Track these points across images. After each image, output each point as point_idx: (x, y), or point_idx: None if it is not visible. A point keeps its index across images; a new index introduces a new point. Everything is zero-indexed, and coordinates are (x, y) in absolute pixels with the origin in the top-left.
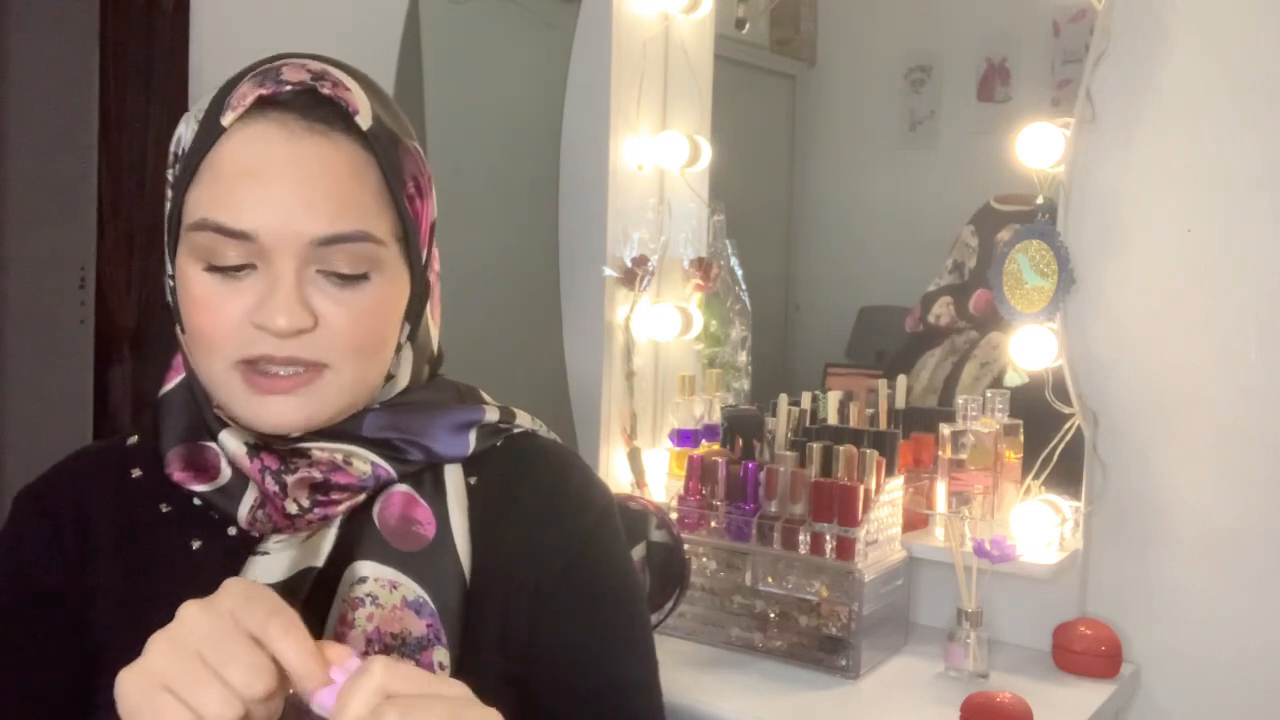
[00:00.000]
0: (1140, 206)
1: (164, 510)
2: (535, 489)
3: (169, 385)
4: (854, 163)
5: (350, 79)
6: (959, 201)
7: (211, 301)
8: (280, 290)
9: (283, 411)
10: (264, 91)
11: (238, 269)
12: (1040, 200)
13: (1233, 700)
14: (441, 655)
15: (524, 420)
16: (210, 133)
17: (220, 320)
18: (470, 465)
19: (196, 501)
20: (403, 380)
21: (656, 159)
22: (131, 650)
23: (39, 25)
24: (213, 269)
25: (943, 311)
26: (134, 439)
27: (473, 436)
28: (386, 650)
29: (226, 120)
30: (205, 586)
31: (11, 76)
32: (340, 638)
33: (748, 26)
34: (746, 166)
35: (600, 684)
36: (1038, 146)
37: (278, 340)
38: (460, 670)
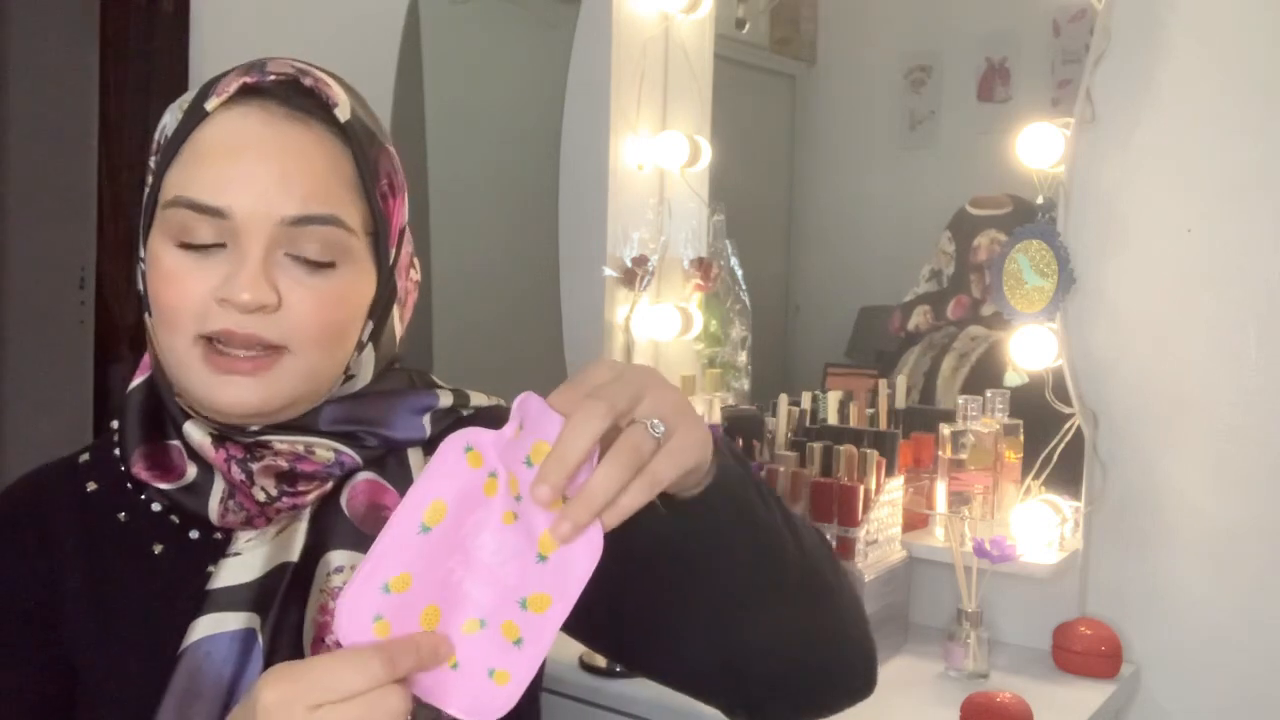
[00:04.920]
0: (1140, 206)
1: (122, 519)
2: None
3: (133, 385)
4: (854, 163)
5: (331, 78)
6: (959, 201)
7: (179, 276)
8: (247, 266)
9: (238, 392)
10: (248, 79)
11: (208, 247)
12: (1012, 206)
13: (1233, 700)
14: None
15: (479, 400)
16: (193, 117)
17: (185, 294)
18: (428, 448)
19: (155, 508)
20: (362, 381)
21: (656, 159)
22: (100, 661)
23: (39, 25)
24: (184, 246)
25: (921, 320)
26: (85, 456)
27: (428, 420)
28: None
29: (210, 105)
30: (167, 590)
31: (11, 76)
32: (322, 629)
33: (748, 26)
34: (746, 166)
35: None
36: (1038, 146)
37: (240, 316)
38: None
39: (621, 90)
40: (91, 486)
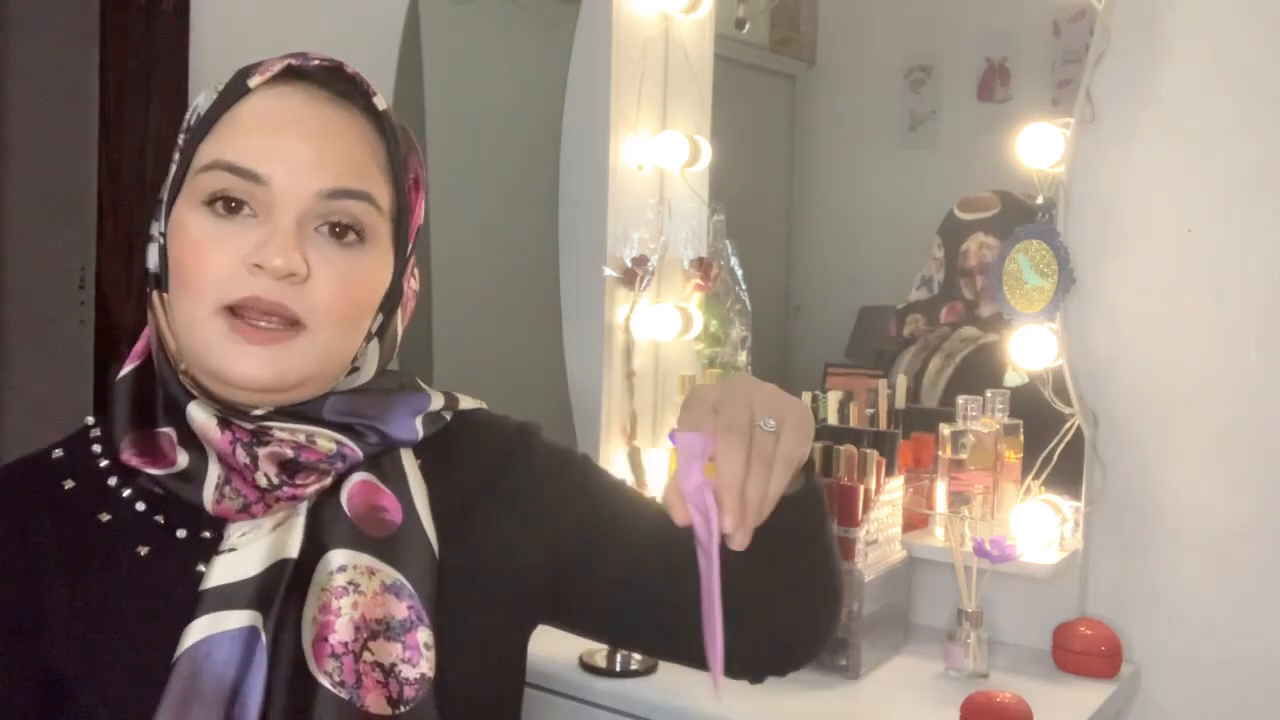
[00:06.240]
0: (1140, 206)
1: (105, 520)
2: (477, 448)
3: (123, 372)
4: (854, 163)
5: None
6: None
7: (207, 241)
8: (280, 233)
9: (256, 363)
10: (292, 62)
11: (239, 210)
12: (1000, 206)
13: (1233, 700)
14: (425, 636)
15: (466, 403)
16: (233, 93)
17: (212, 260)
18: (419, 450)
19: (140, 507)
20: (366, 374)
21: (656, 159)
22: (85, 670)
23: (39, 25)
24: (213, 209)
25: (914, 328)
26: (58, 452)
27: (419, 422)
28: (373, 636)
29: (253, 82)
30: (154, 593)
31: (11, 77)
32: (324, 626)
33: (748, 26)
34: (746, 166)
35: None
36: (1038, 146)
37: (268, 283)
38: (445, 643)
39: (621, 90)
40: (69, 484)
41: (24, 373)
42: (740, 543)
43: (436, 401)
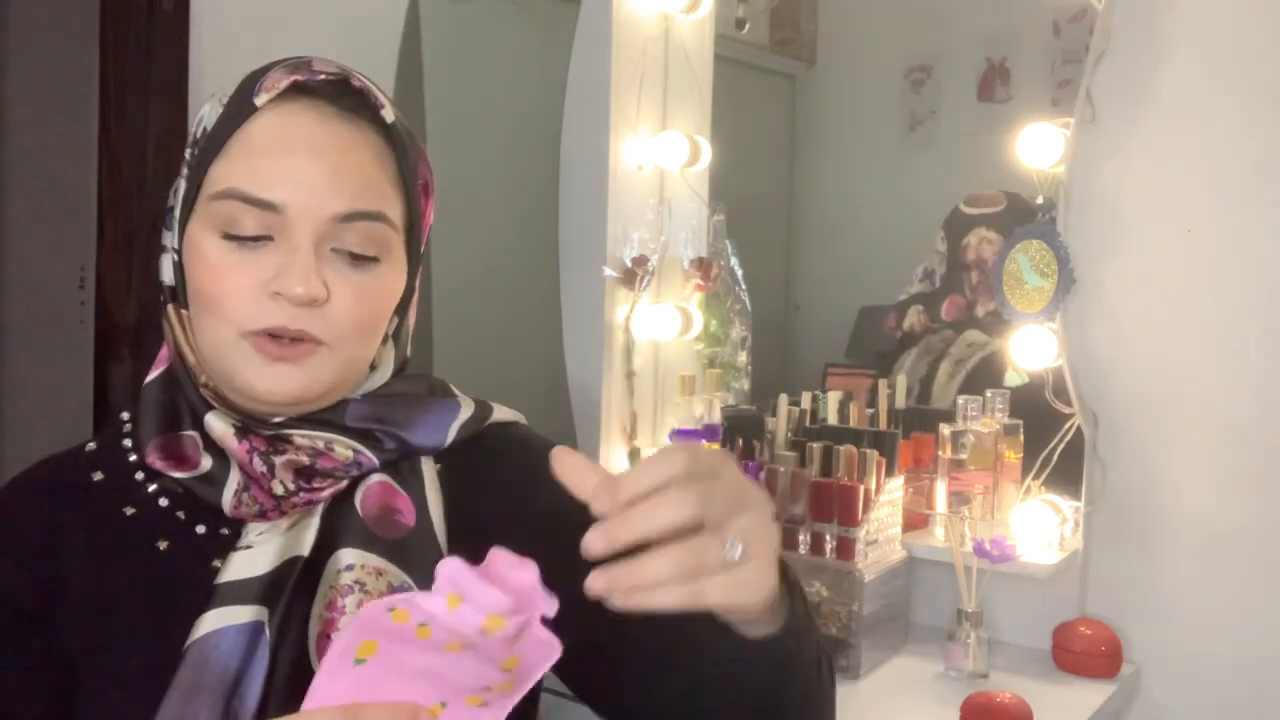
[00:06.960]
0: (1140, 206)
1: (129, 513)
2: (506, 465)
3: (150, 377)
4: (854, 163)
5: (371, 82)
6: (959, 202)
7: (227, 268)
8: (299, 261)
9: (282, 379)
10: (298, 78)
11: (255, 239)
12: (1005, 203)
13: (1233, 700)
14: None
15: (501, 414)
16: (241, 111)
17: (235, 287)
18: (441, 457)
19: (163, 503)
20: (383, 374)
21: (656, 159)
22: (101, 658)
23: (39, 25)
24: (230, 238)
25: (915, 320)
26: (92, 445)
27: (454, 430)
28: None
29: (260, 100)
30: (171, 586)
31: (11, 76)
32: (329, 623)
33: (748, 26)
34: (746, 166)
35: None
36: (1038, 146)
37: (292, 311)
38: None
39: (621, 90)
40: (98, 476)
41: (24, 372)
42: (595, 552)
43: (467, 410)
